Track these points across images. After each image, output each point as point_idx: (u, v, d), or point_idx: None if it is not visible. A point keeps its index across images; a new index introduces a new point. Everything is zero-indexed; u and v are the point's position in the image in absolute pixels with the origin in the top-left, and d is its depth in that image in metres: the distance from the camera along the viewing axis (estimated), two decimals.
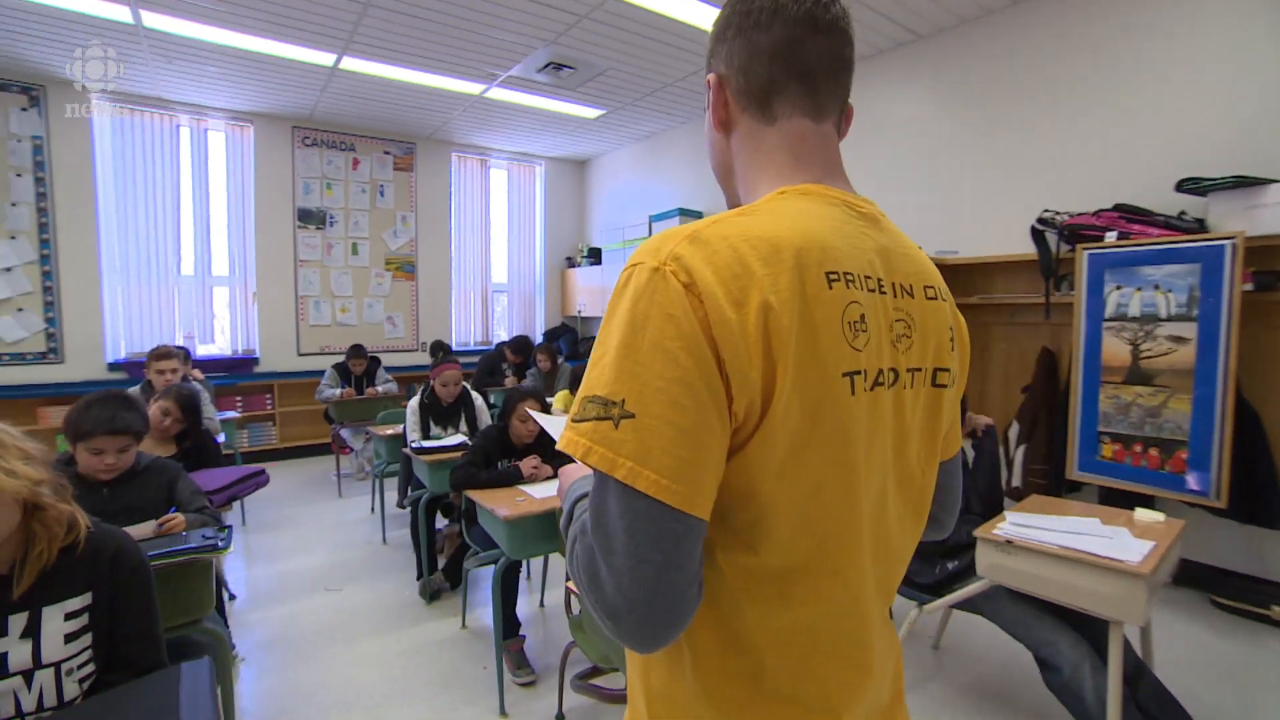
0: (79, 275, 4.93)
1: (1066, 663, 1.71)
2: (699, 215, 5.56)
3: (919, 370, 0.61)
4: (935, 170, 3.89)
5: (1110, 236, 2.88)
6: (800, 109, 0.61)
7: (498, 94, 5.06)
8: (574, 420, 0.50)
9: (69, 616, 1.16)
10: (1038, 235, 3.24)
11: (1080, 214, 3.09)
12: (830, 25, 0.60)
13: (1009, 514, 1.93)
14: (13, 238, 4.75)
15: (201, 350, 5.47)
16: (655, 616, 0.48)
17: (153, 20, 3.78)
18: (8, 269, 4.74)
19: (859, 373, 0.54)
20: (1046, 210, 3.23)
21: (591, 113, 5.52)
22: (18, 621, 1.11)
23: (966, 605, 1.98)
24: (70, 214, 4.90)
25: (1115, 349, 2.83)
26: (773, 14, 0.59)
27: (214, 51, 4.21)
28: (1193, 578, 2.89)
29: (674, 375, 0.47)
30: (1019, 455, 3.35)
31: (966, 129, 3.73)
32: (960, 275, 3.69)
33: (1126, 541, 1.71)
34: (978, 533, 1.82)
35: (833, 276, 0.53)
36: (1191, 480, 2.59)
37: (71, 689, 1.15)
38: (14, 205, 4.75)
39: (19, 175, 4.75)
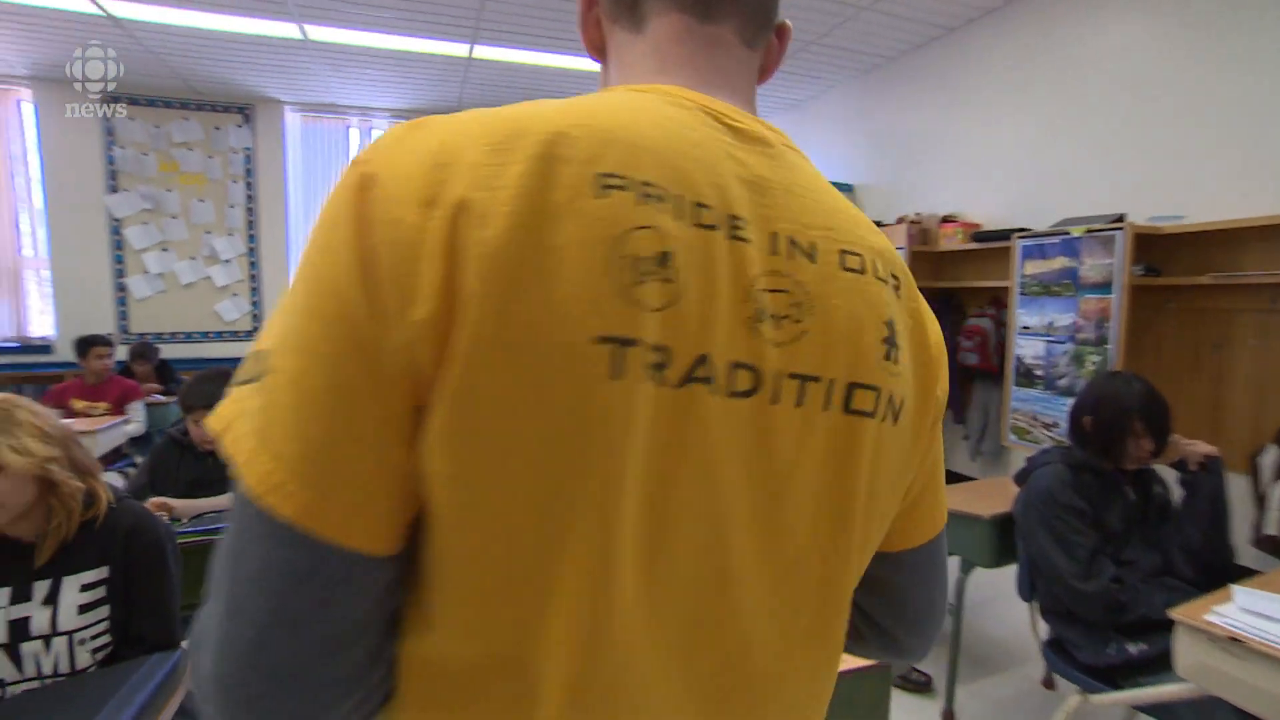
0: (273, 265, 5.76)
1: None
2: (850, 189, 5.00)
3: (814, 380, 0.38)
4: (1153, 114, 2.96)
5: None
6: (674, 3, 0.44)
7: None
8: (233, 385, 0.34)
9: (85, 588, 1.19)
10: None
11: None
12: None
13: (1240, 589, 1.32)
14: (230, 234, 5.68)
15: None
16: (250, 716, 0.30)
17: (315, 33, 4.18)
18: (227, 261, 5.69)
19: (634, 343, 0.32)
20: None
21: None
22: (40, 588, 1.16)
23: (1159, 712, 1.40)
24: (268, 212, 5.72)
25: None
26: None
27: (369, 55, 4.58)
28: None
29: (313, 307, 0.31)
30: (1277, 493, 2.45)
31: (1199, 58, 2.77)
32: (1186, 247, 2.79)
33: None
34: (1178, 614, 1.25)
35: (611, 181, 0.32)
36: None
37: (84, 658, 1.18)
38: (231, 207, 5.67)
39: (235, 181, 5.66)
